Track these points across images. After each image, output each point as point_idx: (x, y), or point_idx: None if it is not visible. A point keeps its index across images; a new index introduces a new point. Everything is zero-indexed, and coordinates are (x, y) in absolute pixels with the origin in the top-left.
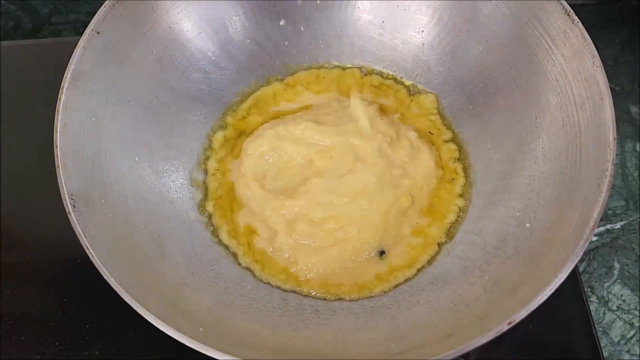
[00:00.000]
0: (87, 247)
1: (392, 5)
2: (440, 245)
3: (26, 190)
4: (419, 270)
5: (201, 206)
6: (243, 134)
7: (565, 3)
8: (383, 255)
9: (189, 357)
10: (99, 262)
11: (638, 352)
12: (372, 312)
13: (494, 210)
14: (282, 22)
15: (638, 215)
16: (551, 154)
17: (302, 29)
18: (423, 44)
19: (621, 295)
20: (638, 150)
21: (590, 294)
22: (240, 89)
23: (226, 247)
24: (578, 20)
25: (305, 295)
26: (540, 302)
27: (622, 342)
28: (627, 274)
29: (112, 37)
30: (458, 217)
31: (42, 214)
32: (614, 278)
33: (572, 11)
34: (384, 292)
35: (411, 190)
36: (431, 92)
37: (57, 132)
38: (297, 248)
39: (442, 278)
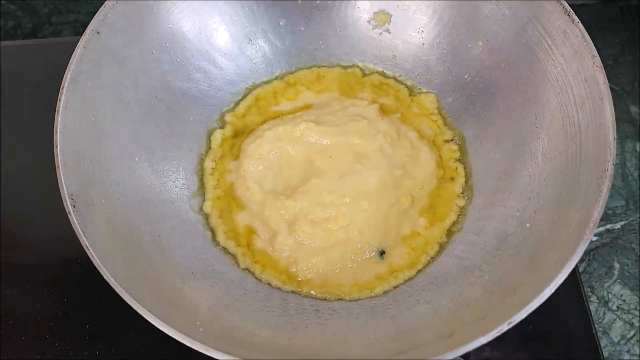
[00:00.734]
0: (87, 247)
1: (392, 5)
2: (440, 245)
3: (26, 190)
4: (419, 270)
5: (201, 206)
6: (243, 133)
7: (565, 3)
8: (383, 255)
9: (189, 357)
10: (99, 262)
11: (638, 352)
12: (372, 312)
13: (494, 210)
14: (282, 22)
15: (638, 215)
16: (551, 154)
17: (302, 29)
18: (423, 44)
19: (621, 295)
20: (638, 150)
21: (590, 294)
22: (240, 89)
23: (224, 248)
24: (578, 20)
25: (306, 296)
26: (540, 302)
27: (622, 342)
28: (627, 274)
29: (112, 37)
30: (458, 217)
31: (42, 214)
32: (614, 278)
33: (572, 11)
34: (384, 292)
35: (412, 190)
36: (431, 92)
37: (57, 132)
38: (297, 248)
39: (442, 278)
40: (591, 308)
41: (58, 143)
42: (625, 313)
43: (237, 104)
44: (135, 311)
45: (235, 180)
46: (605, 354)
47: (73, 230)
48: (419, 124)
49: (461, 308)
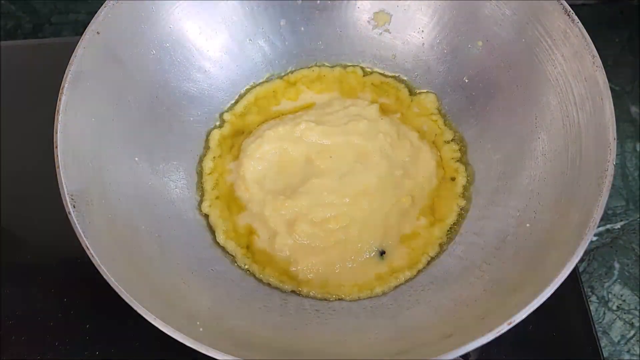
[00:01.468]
0: (87, 247)
1: (392, 5)
2: (440, 245)
3: (26, 190)
4: (419, 270)
5: (201, 206)
6: (243, 133)
7: (565, 3)
8: (383, 255)
9: (189, 357)
10: (99, 262)
11: (638, 352)
12: (372, 312)
13: (494, 210)
14: (282, 22)
15: (638, 215)
16: (551, 154)
17: (302, 29)
18: (423, 44)
19: (621, 295)
20: (638, 150)
21: (590, 294)
22: (240, 88)
23: (224, 248)
24: (578, 20)
25: (306, 296)
26: (540, 302)
27: (622, 342)
28: (627, 274)
29: (112, 37)
30: (458, 217)
31: (42, 214)
32: (614, 278)
33: (572, 11)
34: (384, 292)
35: (412, 190)
36: (431, 92)
37: (57, 132)
38: (297, 248)
39: (442, 278)
40: (591, 308)
41: (58, 143)
42: (625, 313)
43: (237, 103)
44: (135, 311)
45: (235, 180)
46: (605, 354)
47: (73, 230)
48: (419, 124)
49: (461, 308)
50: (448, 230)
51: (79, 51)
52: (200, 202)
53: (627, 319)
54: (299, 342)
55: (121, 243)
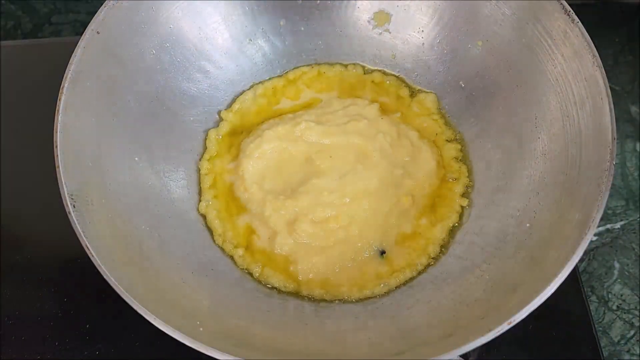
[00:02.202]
0: (87, 247)
1: (392, 5)
2: (440, 245)
3: (26, 190)
4: (419, 270)
5: (200, 206)
6: (243, 133)
7: (565, 3)
8: (384, 255)
9: (189, 357)
10: (99, 262)
11: (638, 352)
12: (372, 312)
13: (494, 210)
14: (282, 22)
15: (638, 215)
16: (551, 154)
17: (302, 29)
18: (423, 44)
19: (621, 295)
20: (638, 150)
21: (590, 293)
22: (240, 88)
23: (224, 248)
24: (578, 20)
25: (306, 296)
26: (541, 302)
27: (622, 342)
28: (627, 273)
29: (112, 37)
30: (459, 217)
31: (42, 214)
32: (614, 278)
33: (572, 11)
34: (384, 292)
35: (412, 190)
36: (431, 92)
37: (57, 132)
38: (297, 248)
39: (442, 278)
40: (591, 308)
41: (58, 143)
42: (625, 313)
43: (237, 103)
44: (135, 311)
45: (235, 180)
46: (605, 354)
47: (73, 230)
48: (420, 123)
49: (461, 308)
50: (448, 230)
51: (79, 51)
52: (202, 202)
53: (627, 319)
54: (299, 342)
55: (121, 243)
